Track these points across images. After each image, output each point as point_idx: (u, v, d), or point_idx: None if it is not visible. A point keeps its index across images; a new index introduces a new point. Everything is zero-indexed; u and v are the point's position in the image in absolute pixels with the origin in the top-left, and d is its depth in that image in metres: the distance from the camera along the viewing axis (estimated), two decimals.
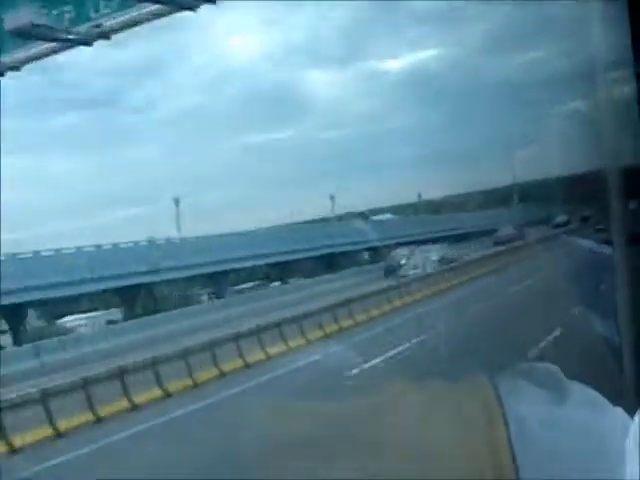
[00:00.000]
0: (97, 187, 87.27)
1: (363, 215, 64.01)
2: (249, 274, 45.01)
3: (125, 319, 35.95)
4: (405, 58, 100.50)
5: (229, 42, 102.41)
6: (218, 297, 38.38)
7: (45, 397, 16.38)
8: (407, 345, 18.42)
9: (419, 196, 68.57)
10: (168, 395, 16.48)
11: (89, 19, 27.31)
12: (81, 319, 35.62)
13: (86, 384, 16.82)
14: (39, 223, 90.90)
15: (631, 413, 2.09)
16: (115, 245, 40.62)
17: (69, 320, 30.95)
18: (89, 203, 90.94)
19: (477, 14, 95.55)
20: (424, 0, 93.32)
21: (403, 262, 40.61)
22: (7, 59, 28.04)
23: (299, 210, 56.99)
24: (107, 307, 39.87)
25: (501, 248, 46.88)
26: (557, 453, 2.10)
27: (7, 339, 33.81)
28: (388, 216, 65.97)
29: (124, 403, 16.75)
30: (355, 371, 15.67)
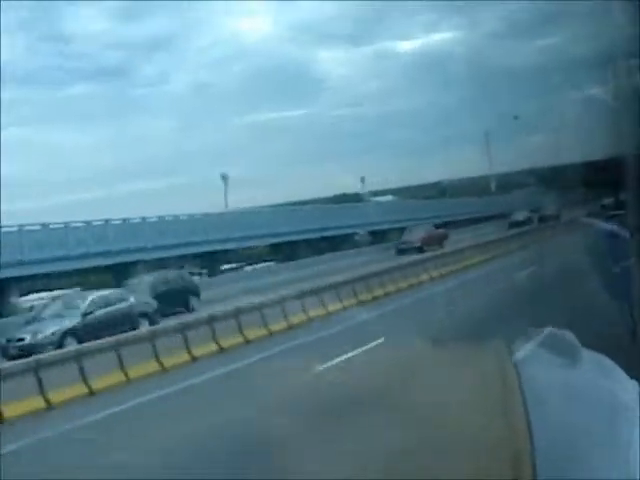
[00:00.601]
0: (106, 160, 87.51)
1: (358, 196, 63.81)
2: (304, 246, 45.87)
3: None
4: (418, 40, 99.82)
5: (240, 20, 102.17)
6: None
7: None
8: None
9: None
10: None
11: None
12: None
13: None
14: (46, 195, 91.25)
15: None
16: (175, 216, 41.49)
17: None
18: (98, 176, 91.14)
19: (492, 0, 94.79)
20: None
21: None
22: None
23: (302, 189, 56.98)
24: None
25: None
26: (571, 420, 2.11)
27: None
28: (389, 198, 65.27)
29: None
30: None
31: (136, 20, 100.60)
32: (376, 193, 66.12)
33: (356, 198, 63.67)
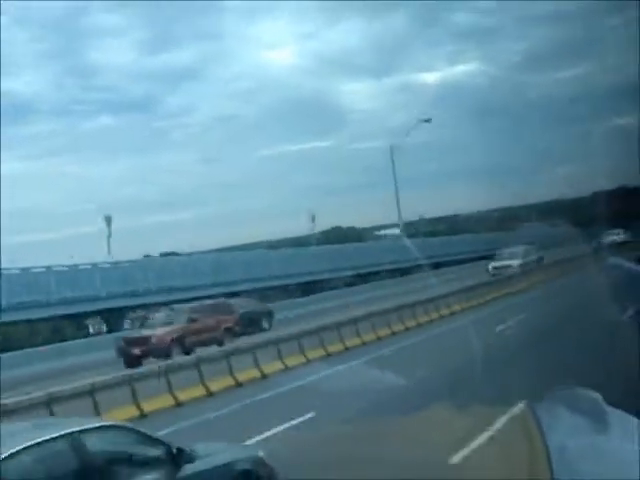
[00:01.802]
0: (130, 192, 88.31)
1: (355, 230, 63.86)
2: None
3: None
4: (441, 71, 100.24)
5: (265, 52, 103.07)
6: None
7: None
8: None
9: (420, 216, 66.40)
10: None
11: None
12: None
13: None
14: (69, 226, 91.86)
15: None
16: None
17: None
18: (122, 207, 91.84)
19: (516, 31, 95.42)
20: (462, 16, 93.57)
21: None
22: None
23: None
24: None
25: None
26: None
27: None
28: (395, 231, 64.75)
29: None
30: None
31: (161, 52, 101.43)
32: (383, 227, 65.61)
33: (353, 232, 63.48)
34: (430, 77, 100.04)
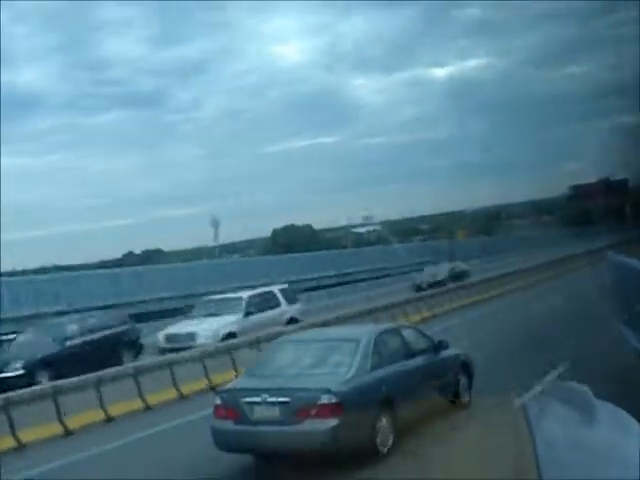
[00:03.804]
0: (138, 186, 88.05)
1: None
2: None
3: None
4: (451, 67, 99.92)
5: (275, 46, 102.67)
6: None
7: None
8: None
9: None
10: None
11: None
12: None
13: None
14: (76, 220, 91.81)
15: None
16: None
17: None
18: (128, 203, 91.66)
19: (525, 27, 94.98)
20: (471, 12, 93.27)
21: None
22: None
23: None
24: None
25: None
26: (585, 476, 2.03)
27: None
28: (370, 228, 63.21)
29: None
30: None
31: (171, 46, 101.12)
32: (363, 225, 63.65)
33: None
34: (440, 72, 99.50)
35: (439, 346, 9.95)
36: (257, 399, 7.70)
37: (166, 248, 52.14)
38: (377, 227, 61.72)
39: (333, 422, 7.28)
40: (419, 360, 9.33)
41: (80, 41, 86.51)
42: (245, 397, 7.78)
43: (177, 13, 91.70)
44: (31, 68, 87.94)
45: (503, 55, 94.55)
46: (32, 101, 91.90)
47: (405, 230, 64.11)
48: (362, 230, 63.85)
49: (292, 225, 60.36)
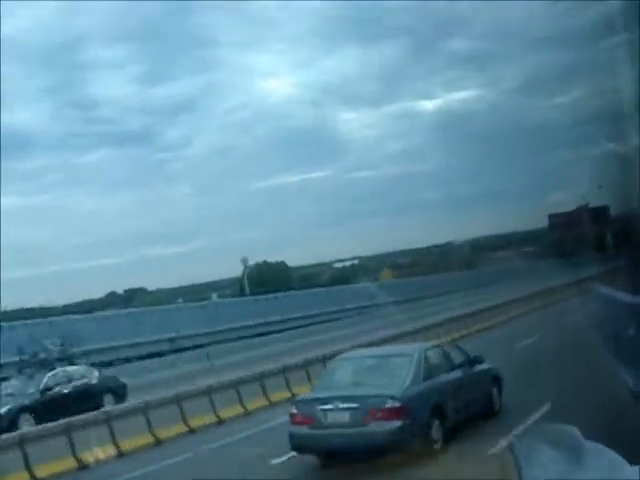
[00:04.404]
0: (128, 225, 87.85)
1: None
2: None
3: None
4: (439, 98, 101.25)
5: (262, 84, 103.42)
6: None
7: None
8: None
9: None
10: None
11: None
12: None
13: None
14: (66, 260, 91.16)
15: None
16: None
17: None
18: (116, 242, 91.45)
19: (512, 57, 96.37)
20: (459, 42, 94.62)
21: None
22: None
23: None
24: None
25: None
26: None
27: None
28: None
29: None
30: None
31: (160, 84, 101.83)
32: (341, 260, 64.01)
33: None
34: (429, 104, 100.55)
35: (475, 360, 11.18)
36: (330, 406, 9.04)
37: (150, 287, 51.65)
38: (355, 262, 62.01)
39: (397, 423, 8.65)
40: (459, 372, 10.64)
41: (70, 81, 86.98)
42: (319, 405, 9.11)
43: (166, 51, 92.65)
44: (22, 110, 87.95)
45: (491, 85, 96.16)
46: (23, 142, 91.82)
47: (378, 266, 64.03)
48: (339, 266, 64.12)
49: (264, 262, 59.02)
